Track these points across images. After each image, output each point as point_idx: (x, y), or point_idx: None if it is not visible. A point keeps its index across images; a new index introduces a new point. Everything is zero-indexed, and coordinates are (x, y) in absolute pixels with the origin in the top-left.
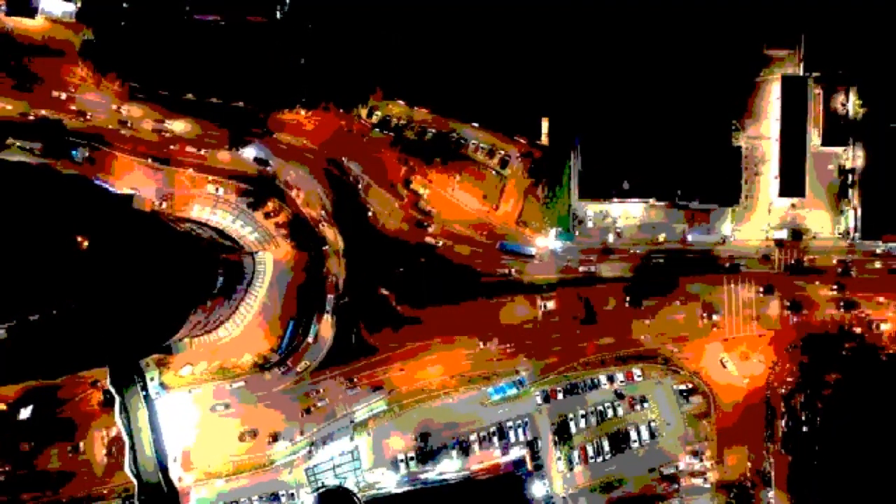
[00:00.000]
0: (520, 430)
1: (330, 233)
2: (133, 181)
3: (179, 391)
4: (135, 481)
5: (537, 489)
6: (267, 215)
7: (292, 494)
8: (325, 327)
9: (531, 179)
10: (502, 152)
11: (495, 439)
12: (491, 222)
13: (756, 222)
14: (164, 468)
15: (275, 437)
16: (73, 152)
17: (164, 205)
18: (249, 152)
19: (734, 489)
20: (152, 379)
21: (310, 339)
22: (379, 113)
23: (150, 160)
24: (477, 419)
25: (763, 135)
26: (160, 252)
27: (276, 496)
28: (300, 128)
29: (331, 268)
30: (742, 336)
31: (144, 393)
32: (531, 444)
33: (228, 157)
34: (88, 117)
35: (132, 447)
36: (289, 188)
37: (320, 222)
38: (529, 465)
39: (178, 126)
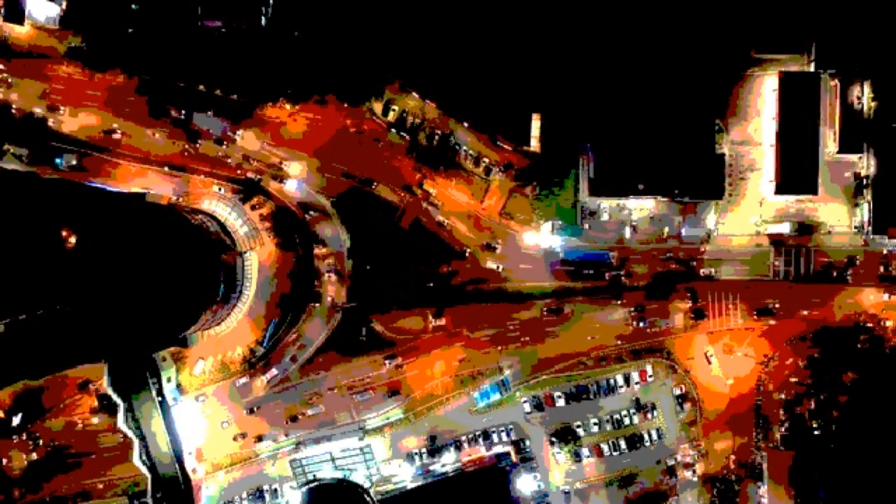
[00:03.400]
0: (503, 435)
1: (331, 290)
2: (145, 185)
3: (191, 397)
4: (148, 474)
5: (525, 484)
6: (253, 207)
7: (276, 490)
8: (258, 385)
9: (515, 183)
10: (486, 160)
11: (481, 439)
12: (478, 213)
13: (743, 216)
14: (180, 461)
15: (259, 438)
16: (58, 160)
17: (181, 199)
18: (291, 184)
19: (717, 483)
20: (169, 380)
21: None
22: (396, 108)
23: (166, 168)
24: (467, 426)
25: (752, 140)
26: (174, 245)
27: (260, 493)
28: (287, 128)
29: (303, 331)
30: (725, 329)
31: (160, 399)
32: (516, 444)
33: (279, 186)
34: (198, 145)
35: (144, 446)
36: (318, 242)
37: (325, 273)
38: (514, 458)
39: (295, 169)
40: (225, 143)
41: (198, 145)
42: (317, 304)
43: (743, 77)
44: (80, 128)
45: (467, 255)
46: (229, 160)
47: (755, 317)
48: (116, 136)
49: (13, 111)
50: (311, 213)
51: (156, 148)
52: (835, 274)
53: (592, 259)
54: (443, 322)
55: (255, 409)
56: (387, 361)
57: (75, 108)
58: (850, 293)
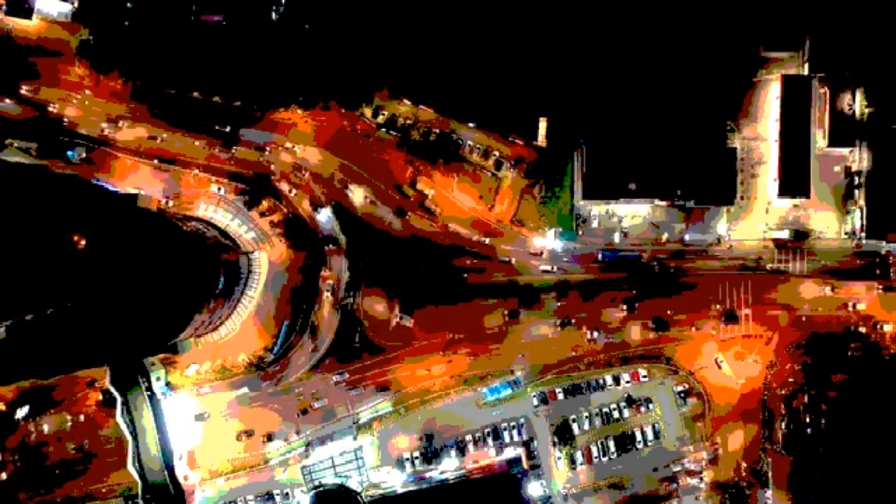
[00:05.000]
0: (514, 432)
1: (326, 309)
2: (138, 181)
3: (185, 391)
4: (139, 480)
5: (534, 489)
6: (262, 214)
7: (287, 494)
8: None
9: (527, 180)
10: (497, 153)
11: (490, 440)
12: (487, 220)
13: (752, 222)
14: (170, 468)
15: (269, 437)
16: (69, 153)
17: (172, 203)
18: (324, 214)
19: (729, 489)
20: (158, 379)
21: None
22: (385, 112)
23: (155, 161)
24: (473, 421)
25: (760, 136)
26: (166, 251)
27: (270, 495)
28: (298, 129)
29: (290, 358)
30: (736, 337)
31: (150, 393)
32: (527, 444)
33: (310, 211)
34: (234, 150)
35: (136, 447)
36: (326, 266)
37: (324, 293)
38: (525, 464)
39: (359, 195)
40: (268, 149)
41: (234, 150)
42: (309, 336)
43: (754, 83)
44: (136, 138)
45: (513, 262)
46: (273, 166)
47: (723, 324)
48: (158, 141)
49: (65, 122)
50: (330, 245)
51: (191, 152)
52: (878, 272)
53: (625, 258)
54: (410, 324)
55: (200, 417)
56: (335, 377)
57: (133, 122)
58: (791, 285)
